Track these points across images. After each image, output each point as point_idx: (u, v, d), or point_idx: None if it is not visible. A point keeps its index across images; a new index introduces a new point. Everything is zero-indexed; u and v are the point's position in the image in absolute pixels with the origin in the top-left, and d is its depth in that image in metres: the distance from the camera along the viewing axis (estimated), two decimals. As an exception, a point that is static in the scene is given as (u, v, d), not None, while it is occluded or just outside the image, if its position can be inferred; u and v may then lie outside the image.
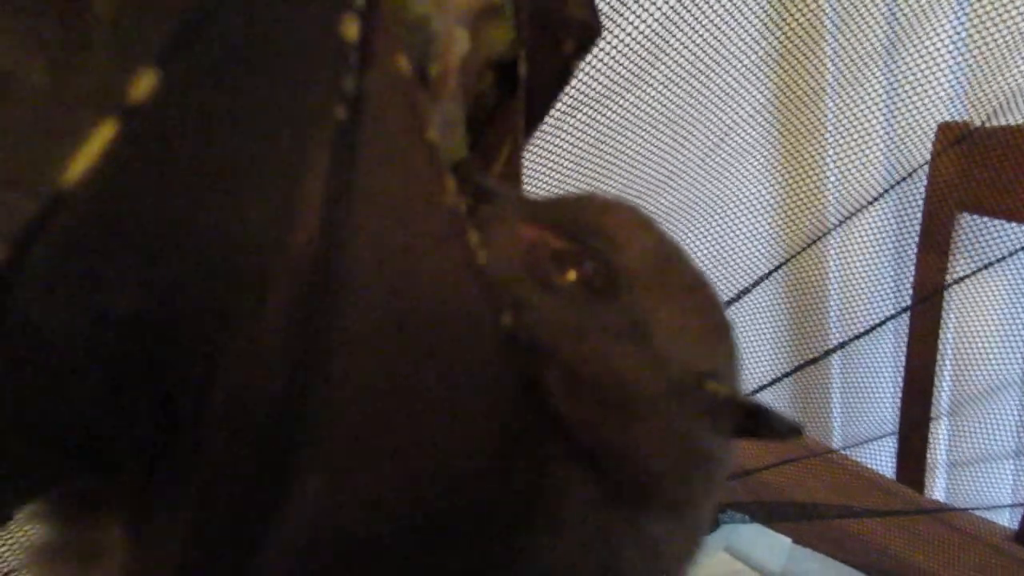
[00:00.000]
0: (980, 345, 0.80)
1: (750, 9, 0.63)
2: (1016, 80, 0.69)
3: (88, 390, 0.16)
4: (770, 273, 0.74)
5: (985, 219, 0.74)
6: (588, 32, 0.27)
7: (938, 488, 0.85)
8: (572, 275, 0.23)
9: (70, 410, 0.16)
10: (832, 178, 0.78)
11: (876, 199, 0.75)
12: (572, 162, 0.57)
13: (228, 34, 0.16)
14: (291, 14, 0.17)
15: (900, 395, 0.82)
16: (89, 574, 0.20)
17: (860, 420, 0.86)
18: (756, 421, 0.22)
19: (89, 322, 0.15)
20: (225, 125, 0.16)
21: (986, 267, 0.73)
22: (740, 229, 0.76)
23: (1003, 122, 0.71)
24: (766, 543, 0.64)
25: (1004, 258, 0.71)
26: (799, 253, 0.76)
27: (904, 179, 0.75)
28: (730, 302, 0.71)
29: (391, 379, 0.18)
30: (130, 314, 0.16)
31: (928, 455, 0.81)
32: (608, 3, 0.52)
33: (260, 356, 0.17)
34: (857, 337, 0.73)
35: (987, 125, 0.72)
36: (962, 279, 0.74)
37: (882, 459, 0.83)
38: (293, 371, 0.17)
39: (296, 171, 0.17)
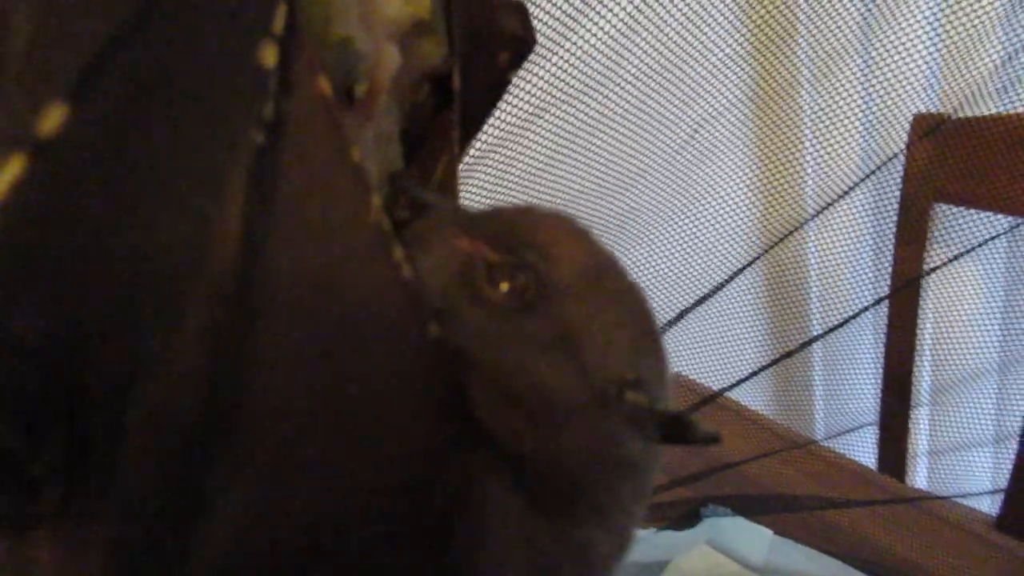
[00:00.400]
0: (958, 333, 0.80)
1: (721, 2, 0.64)
2: (986, 71, 0.69)
3: None
4: (750, 263, 0.74)
5: (960, 209, 0.75)
6: (521, 45, 0.27)
7: (919, 476, 0.85)
8: (504, 287, 0.23)
9: None
10: (810, 170, 0.79)
11: (852, 188, 0.75)
12: (542, 163, 0.58)
13: (141, 66, 0.17)
14: (207, 44, 0.17)
15: (881, 385, 0.83)
16: None
17: (842, 410, 0.87)
18: (678, 429, 0.23)
19: None
20: (139, 155, 0.17)
21: (962, 255, 0.73)
22: (719, 221, 0.76)
23: (976, 113, 0.71)
24: (748, 536, 0.64)
25: (979, 245, 0.71)
26: (778, 243, 0.77)
27: (879, 168, 0.75)
28: (711, 293, 0.72)
29: (314, 396, 0.19)
30: (37, 340, 0.16)
31: (909, 444, 0.81)
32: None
33: (176, 378, 0.17)
34: (835, 328, 0.73)
35: (960, 116, 0.72)
36: (937, 268, 0.75)
37: (863, 449, 0.83)
38: (211, 392, 0.17)
39: (212, 197, 0.17)
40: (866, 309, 0.76)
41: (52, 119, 0.16)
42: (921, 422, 0.84)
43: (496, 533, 0.22)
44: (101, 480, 0.17)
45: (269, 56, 0.18)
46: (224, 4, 0.18)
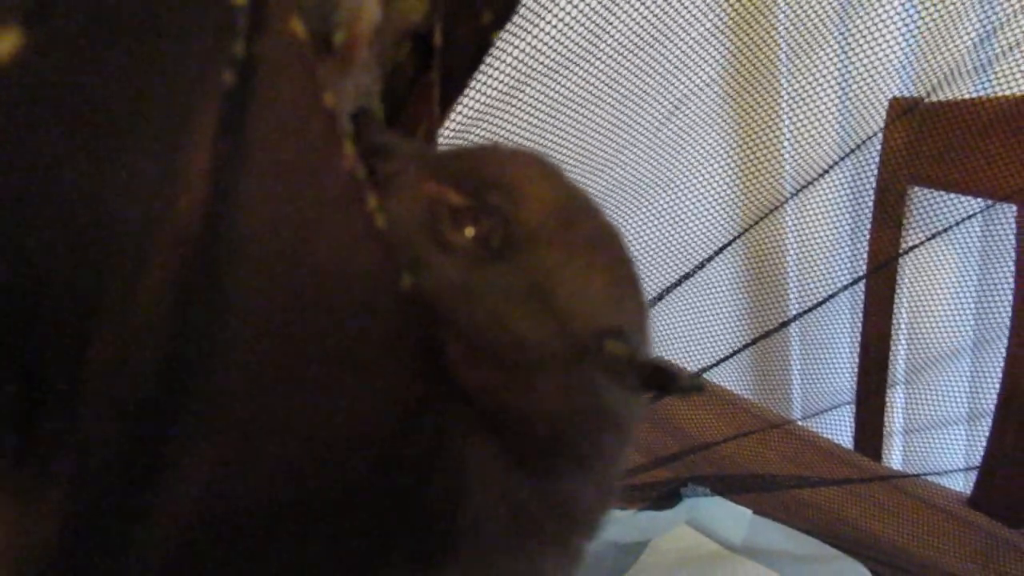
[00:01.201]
0: (933, 314, 0.81)
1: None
2: (960, 53, 0.69)
3: None
4: (728, 244, 0.74)
5: (936, 192, 0.75)
6: (505, 4, 0.27)
7: (895, 455, 0.86)
8: (469, 232, 0.22)
9: None
10: (788, 152, 0.79)
11: (829, 169, 0.75)
12: (522, 139, 0.57)
13: None
14: None
15: (857, 365, 0.83)
16: None
17: (819, 390, 0.87)
18: (660, 379, 0.22)
19: None
20: (99, 89, 0.16)
21: (937, 235, 0.74)
22: (698, 201, 0.76)
23: (951, 96, 0.72)
24: (727, 515, 0.64)
25: (954, 225, 0.72)
26: (756, 224, 0.77)
27: (856, 149, 0.76)
28: (689, 274, 0.72)
29: (285, 348, 0.18)
30: None
31: (885, 423, 0.82)
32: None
33: (137, 327, 0.16)
34: (812, 308, 0.74)
35: (935, 100, 0.72)
36: (913, 248, 0.75)
37: (840, 429, 0.84)
38: (176, 342, 0.16)
39: (178, 137, 0.16)
40: (843, 289, 0.77)
41: (6, 44, 0.15)
42: (897, 401, 0.84)
43: (476, 491, 0.22)
44: (59, 433, 0.17)
45: None
46: None
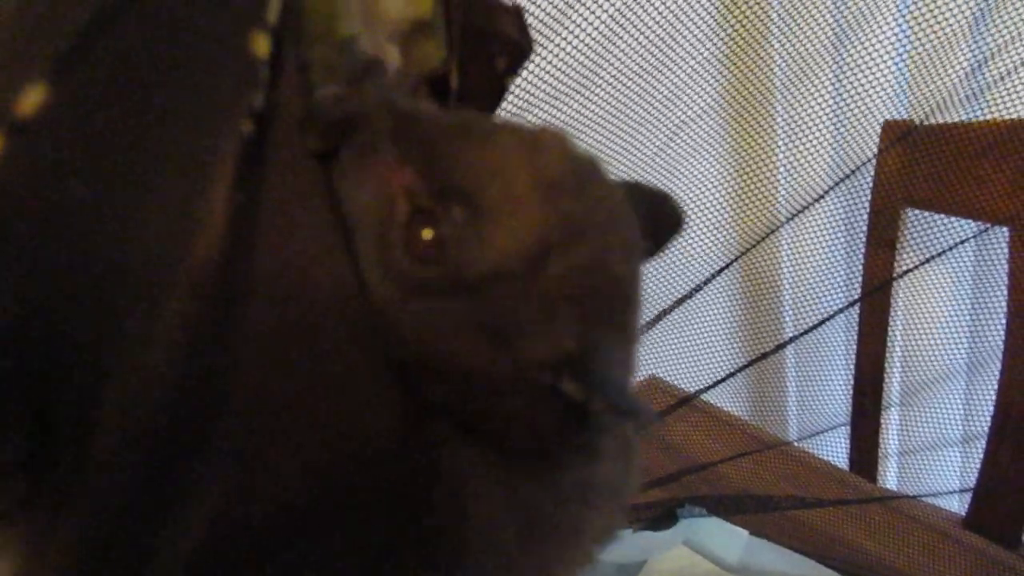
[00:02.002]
0: (928, 336, 0.81)
1: (696, 11, 0.64)
2: (953, 79, 0.70)
3: None
4: (725, 267, 0.75)
5: (930, 214, 0.76)
6: (519, 50, 0.27)
7: (890, 476, 0.87)
8: (428, 235, 0.20)
9: None
10: (783, 176, 0.79)
11: (824, 194, 0.76)
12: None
13: (125, 48, 0.17)
14: (196, 29, 0.17)
15: (852, 387, 0.84)
16: None
17: (814, 412, 0.87)
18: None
19: None
20: (122, 140, 0.16)
21: (931, 259, 0.74)
22: (694, 224, 0.76)
23: (944, 120, 0.73)
24: (724, 535, 0.64)
25: (948, 250, 0.73)
26: (752, 248, 0.77)
27: (851, 174, 0.76)
28: (685, 296, 0.72)
29: (286, 379, 0.18)
30: (6, 323, 0.16)
31: (880, 444, 0.82)
32: (556, 4, 0.52)
33: (152, 366, 0.16)
34: (808, 331, 0.74)
35: (929, 123, 0.73)
36: (907, 272, 0.76)
37: (836, 450, 0.84)
38: (189, 378, 0.17)
39: (197, 184, 0.17)
40: (838, 312, 0.77)
41: (31, 99, 0.15)
42: (891, 423, 0.85)
43: (477, 500, 0.21)
44: (71, 471, 0.17)
45: (262, 45, 0.17)
46: None
